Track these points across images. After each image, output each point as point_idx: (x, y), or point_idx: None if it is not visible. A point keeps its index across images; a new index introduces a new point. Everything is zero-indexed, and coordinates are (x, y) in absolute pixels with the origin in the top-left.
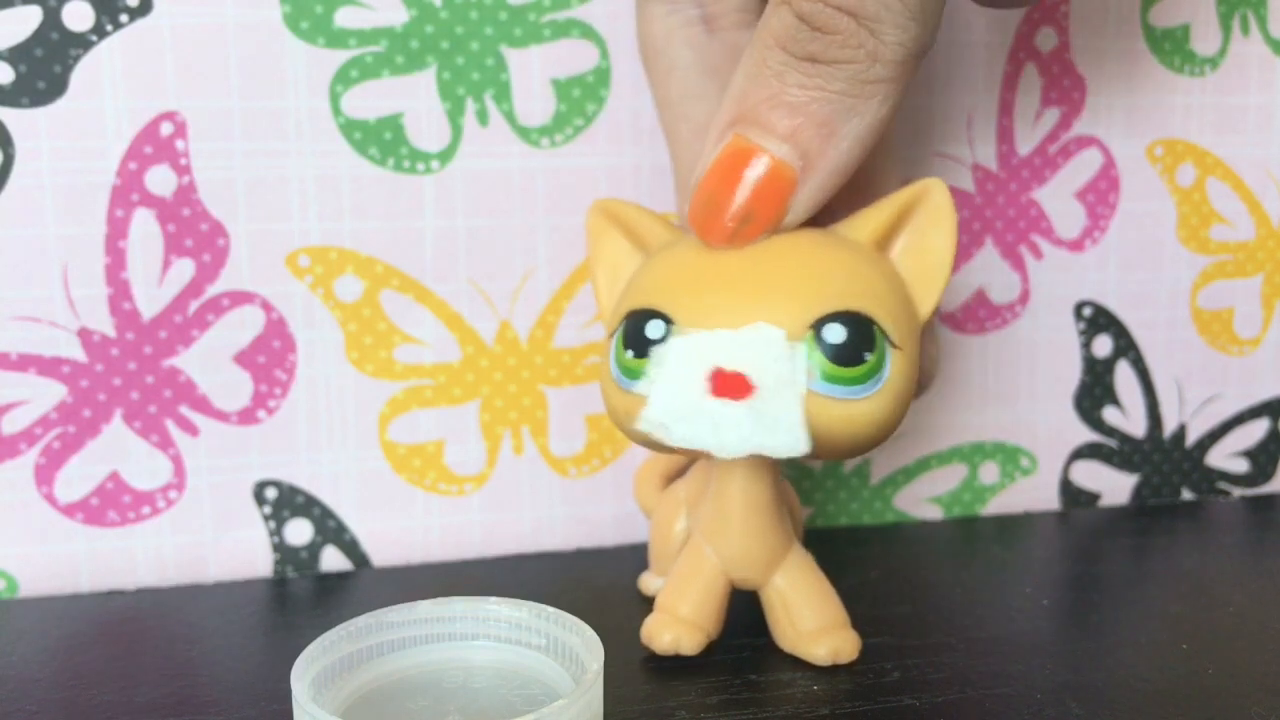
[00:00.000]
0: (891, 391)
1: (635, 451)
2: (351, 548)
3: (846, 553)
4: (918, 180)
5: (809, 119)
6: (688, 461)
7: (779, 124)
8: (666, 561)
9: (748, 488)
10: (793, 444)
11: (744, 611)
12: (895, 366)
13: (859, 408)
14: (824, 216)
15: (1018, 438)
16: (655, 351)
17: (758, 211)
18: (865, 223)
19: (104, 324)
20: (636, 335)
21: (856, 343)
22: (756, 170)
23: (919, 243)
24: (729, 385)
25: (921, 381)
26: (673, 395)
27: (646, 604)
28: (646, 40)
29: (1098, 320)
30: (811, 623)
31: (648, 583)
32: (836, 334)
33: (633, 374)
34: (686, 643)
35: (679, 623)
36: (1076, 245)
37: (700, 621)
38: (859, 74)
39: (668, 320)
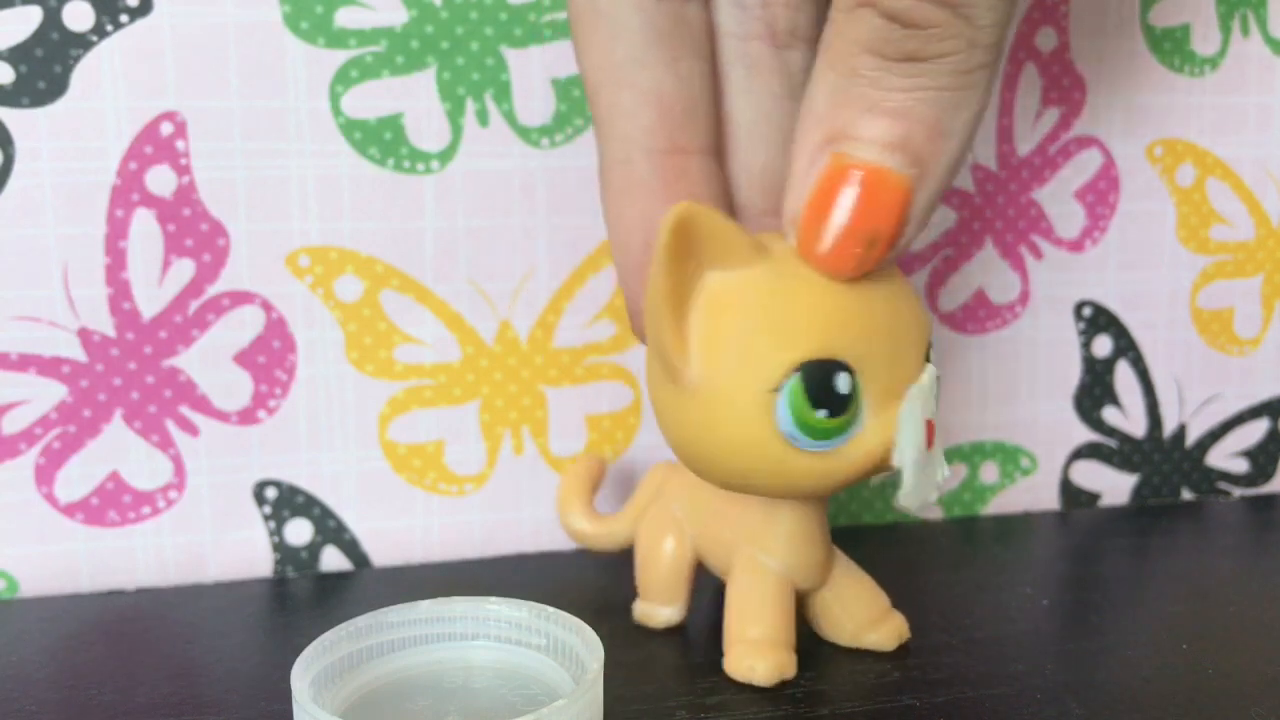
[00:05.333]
0: None
1: (636, 452)
2: (351, 548)
3: (847, 553)
4: None
5: (917, 122)
6: (602, 478)
7: (884, 133)
8: (660, 587)
9: (811, 501)
10: (945, 472)
11: None
12: None
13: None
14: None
15: (1018, 438)
16: (904, 419)
17: (882, 229)
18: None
19: (104, 324)
20: (827, 390)
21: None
22: (872, 188)
23: None
24: (931, 433)
25: None
26: (915, 459)
27: None
28: (584, 2)
29: (1098, 320)
30: (867, 612)
31: (646, 613)
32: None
33: (822, 434)
34: (790, 667)
35: (775, 647)
36: (1076, 245)
37: (786, 638)
38: (961, 64)
39: (849, 370)
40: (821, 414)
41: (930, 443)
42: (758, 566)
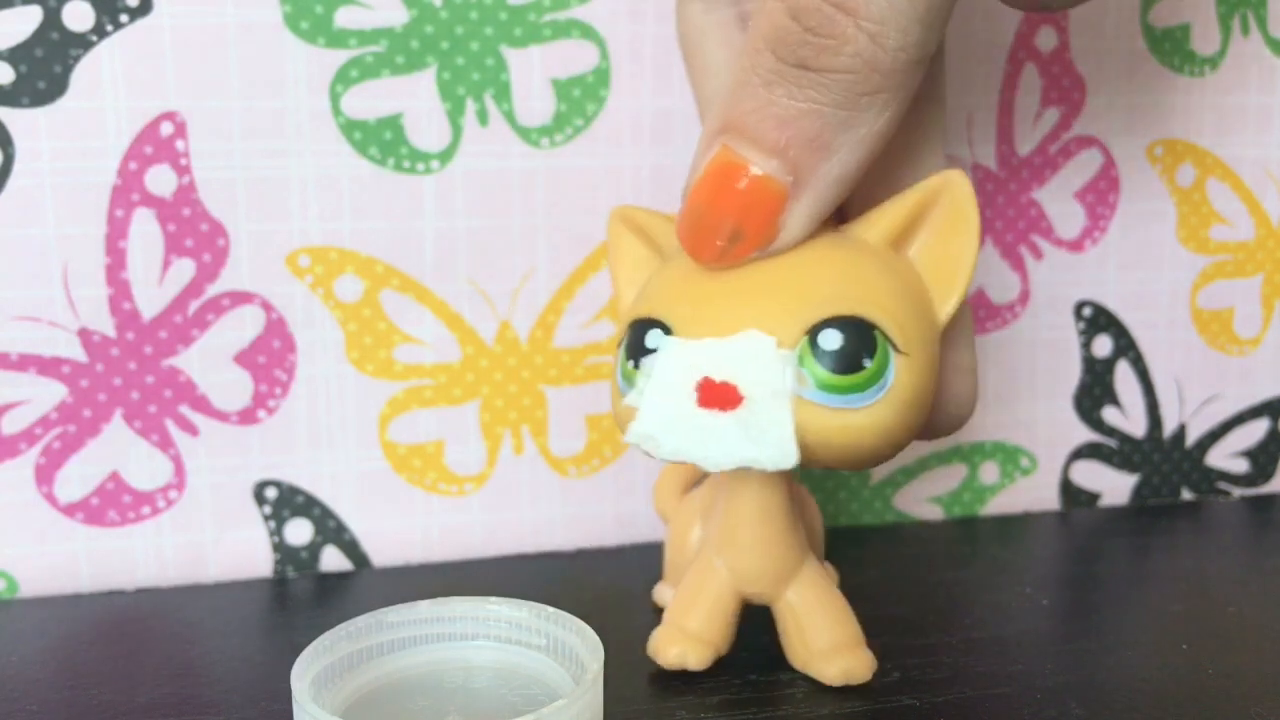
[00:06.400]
0: (897, 400)
1: (635, 453)
2: (351, 548)
3: (846, 553)
4: (940, 173)
5: (799, 133)
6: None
7: (768, 136)
8: (682, 572)
9: (759, 498)
10: (781, 457)
11: (743, 613)
12: (902, 373)
13: (858, 417)
14: (852, 214)
15: (1018, 438)
16: (645, 362)
17: (747, 230)
18: (878, 221)
19: (104, 324)
20: (637, 345)
21: (854, 349)
22: (745, 186)
23: (938, 240)
24: (717, 395)
25: (952, 401)
26: (661, 406)
27: (647, 604)
28: (684, 38)
29: (1098, 320)
30: (824, 641)
31: (662, 594)
32: (832, 340)
33: (631, 383)
34: (693, 658)
35: (686, 637)
36: (1076, 245)
37: (708, 636)
38: (856, 85)
39: (666, 329)
40: (630, 364)
41: (712, 401)
42: (709, 564)
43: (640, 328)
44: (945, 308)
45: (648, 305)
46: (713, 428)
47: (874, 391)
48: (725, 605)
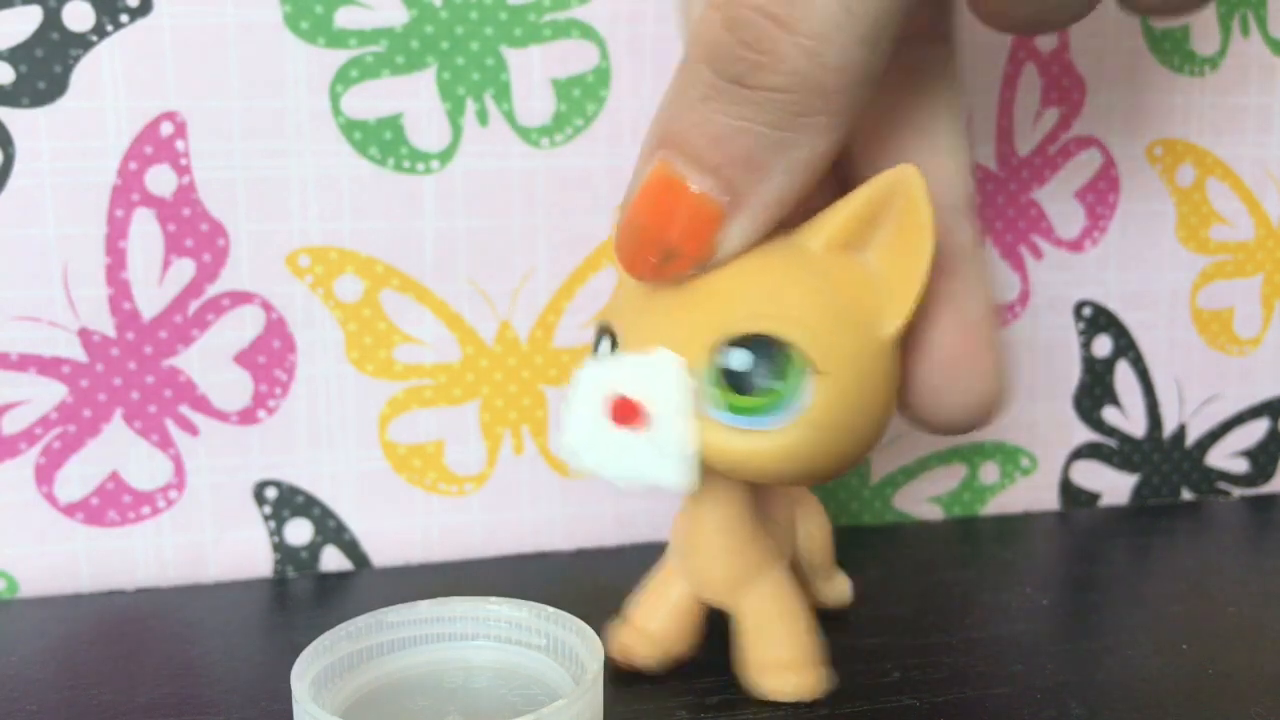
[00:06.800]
0: (813, 422)
1: None
2: (351, 548)
3: (846, 553)
4: (892, 168)
5: (733, 152)
6: None
7: (703, 154)
8: None
9: (720, 507)
10: (678, 478)
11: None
12: (819, 394)
13: (766, 440)
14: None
15: (1018, 438)
16: (575, 374)
17: (682, 248)
18: (825, 225)
19: (104, 324)
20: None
21: (760, 370)
22: (681, 205)
23: (893, 243)
24: (626, 413)
25: (946, 389)
26: (582, 421)
27: None
28: None
29: (1098, 320)
30: (768, 655)
31: None
32: (739, 360)
33: None
34: (639, 655)
35: (637, 634)
36: (1076, 245)
37: (660, 636)
38: (791, 105)
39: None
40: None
41: (620, 419)
42: (672, 567)
43: (599, 333)
44: (896, 319)
45: (607, 311)
46: (624, 445)
47: (784, 414)
48: (684, 608)
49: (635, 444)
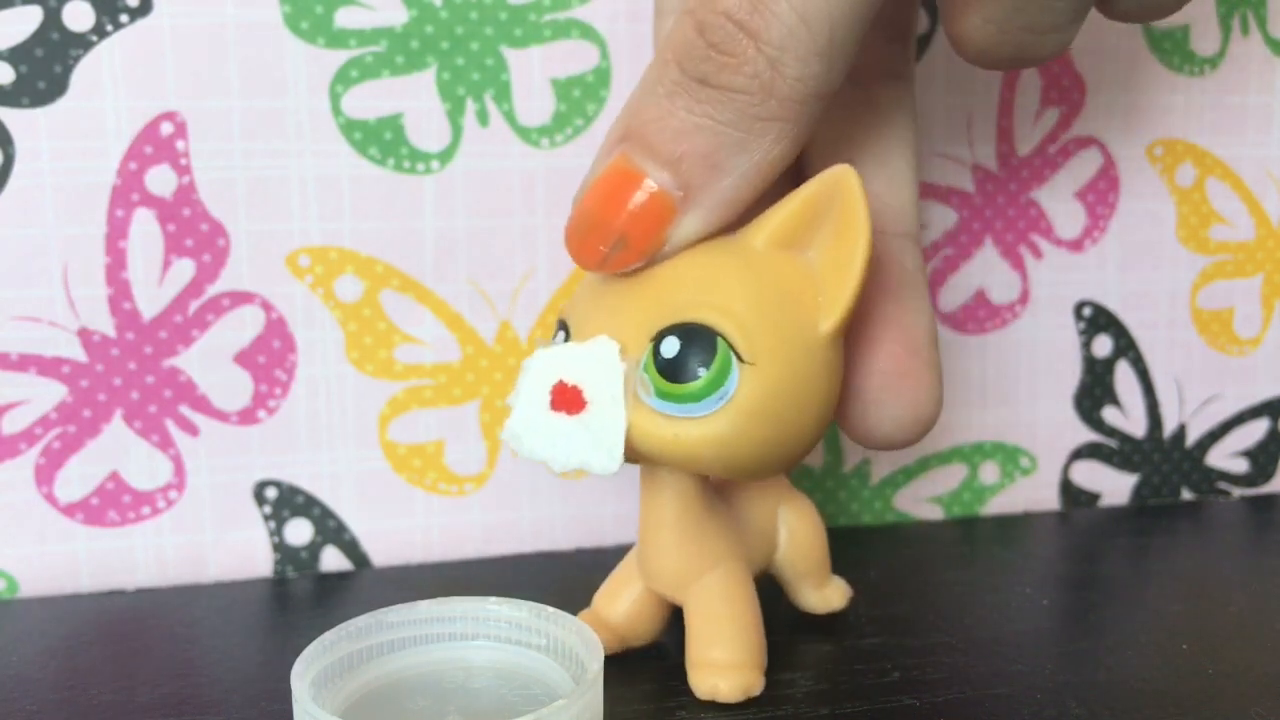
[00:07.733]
0: (737, 411)
1: None
2: (351, 548)
3: (846, 553)
4: (830, 168)
5: (693, 148)
6: None
7: (664, 148)
8: None
9: (666, 499)
10: (607, 463)
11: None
12: (746, 384)
13: (693, 427)
14: None
15: (1018, 438)
16: (523, 363)
17: (632, 238)
18: (767, 222)
19: (104, 324)
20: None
21: (689, 357)
22: (636, 196)
23: (832, 242)
24: (565, 399)
25: (879, 405)
26: (525, 407)
27: None
28: None
29: (1098, 320)
30: (706, 654)
31: None
32: (669, 348)
33: None
34: (610, 650)
35: (598, 623)
36: (1076, 245)
37: (617, 624)
38: (750, 107)
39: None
40: None
41: (559, 404)
42: (632, 557)
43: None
44: (832, 316)
45: (566, 304)
46: (561, 430)
47: (711, 401)
48: (642, 599)
49: (572, 428)
